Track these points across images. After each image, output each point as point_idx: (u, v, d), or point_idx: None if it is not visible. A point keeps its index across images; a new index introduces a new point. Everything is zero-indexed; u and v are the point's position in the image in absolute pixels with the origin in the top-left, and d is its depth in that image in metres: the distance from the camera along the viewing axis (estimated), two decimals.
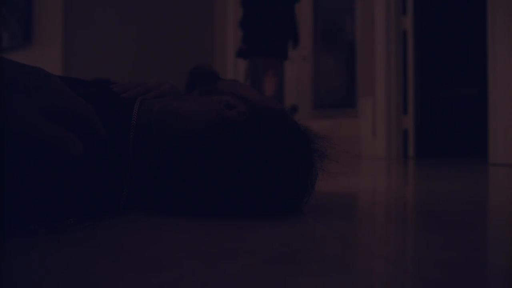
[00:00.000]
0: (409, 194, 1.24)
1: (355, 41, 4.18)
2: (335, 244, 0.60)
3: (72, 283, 0.42)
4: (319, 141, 0.79)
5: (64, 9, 3.71)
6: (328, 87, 4.45)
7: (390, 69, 3.41)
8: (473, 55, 3.68)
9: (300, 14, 4.22)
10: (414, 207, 0.99)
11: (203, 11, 4.59)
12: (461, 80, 3.85)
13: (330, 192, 1.07)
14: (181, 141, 0.72)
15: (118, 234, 0.63)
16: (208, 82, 0.86)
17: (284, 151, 0.73)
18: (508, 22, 2.44)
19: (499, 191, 1.36)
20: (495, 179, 1.73)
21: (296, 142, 0.75)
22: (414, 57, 3.42)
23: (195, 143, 0.72)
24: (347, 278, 0.45)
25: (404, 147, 3.41)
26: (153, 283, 0.42)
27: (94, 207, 0.69)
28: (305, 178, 0.76)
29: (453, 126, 3.79)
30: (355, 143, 3.51)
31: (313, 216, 0.77)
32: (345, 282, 0.44)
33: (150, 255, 0.52)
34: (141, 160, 0.73)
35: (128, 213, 0.73)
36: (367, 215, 0.88)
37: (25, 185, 0.61)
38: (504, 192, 1.32)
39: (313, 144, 0.78)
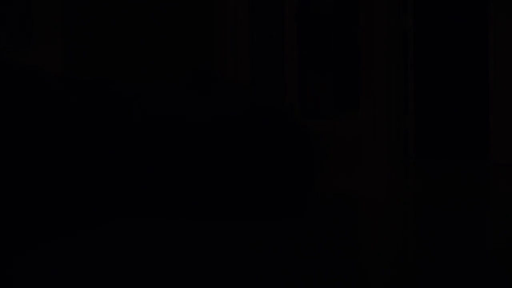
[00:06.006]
0: (409, 194, 1.24)
1: (354, 41, 4.18)
2: (335, 244, 0.60)
3: (72, 283, 0.42)
4: (319, 141, 0.79)
5: (64, 9, 3.71)
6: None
7: (390, 69, 3.41)
8: (474, 55, 3.68)
9: None
10: (414, 207, 0.99)
11: (203, 11, 4.60)
12: (461, 80, 3.85)
13: (330, 192, 1.07)
14: (181, 141, 0.72)
15: (117, 235, 0.63)
16: (207, 82, 0.86)
17: (284, 150, 0.73)
18: (510, 21, 2.43)
19: (498, 191, 1.36)
20: (495, 179, 1.73)
21: (296, 141, 0.75)
22: (414, 57, 3.42)
23: (195, 143, 0.72)
24: (347, 278, 0.45)
25: (404, 147, 3.40)
26: (152, 283, 0.42)
27: (93, 208, 0.68)
28: (305, 178, 0.76)
29: (453, 126, 3.80)
30: (355, 143, 3.51)
31: (313, 216, 0.77)
32: (345, 282, 0.44)
33: (149, 256, 0.52)
34: (141, 160, 0.73)
35: (126, 214, 0.73)
36: (367, 215, 0.88)
37: (25, 187, 0.61)
38: (503, 192, 1.32)
39: (313, 144, 0.78)
